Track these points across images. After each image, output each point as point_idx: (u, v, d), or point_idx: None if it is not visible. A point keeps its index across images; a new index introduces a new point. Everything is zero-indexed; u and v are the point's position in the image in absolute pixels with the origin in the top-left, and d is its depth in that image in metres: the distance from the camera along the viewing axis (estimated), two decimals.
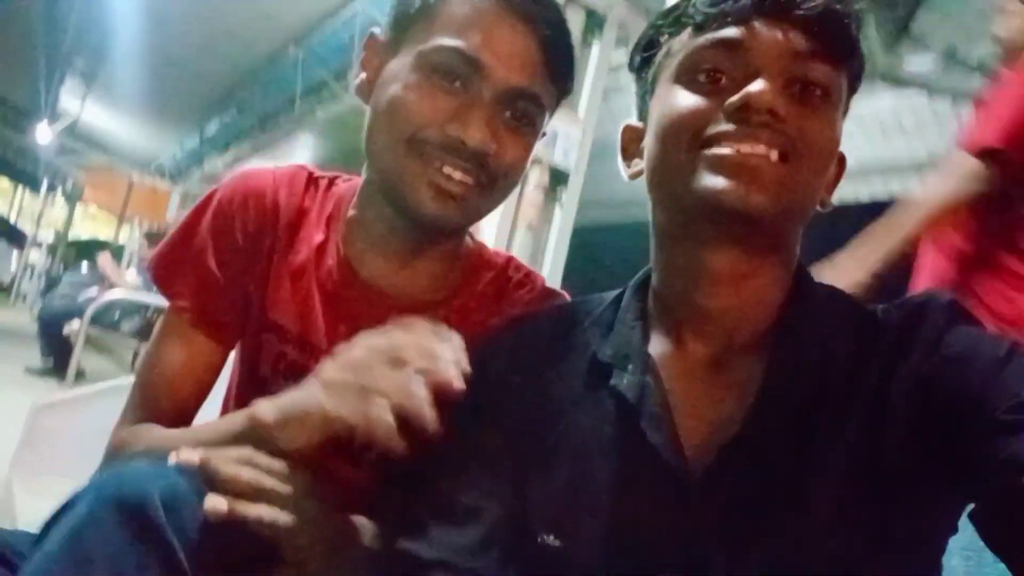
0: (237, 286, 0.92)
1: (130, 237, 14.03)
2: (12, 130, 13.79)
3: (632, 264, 0.82)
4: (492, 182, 0.83)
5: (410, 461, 0.85)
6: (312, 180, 0.96)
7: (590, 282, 0.79)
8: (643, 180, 0.76)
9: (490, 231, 3.39)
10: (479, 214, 0.86)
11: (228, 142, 11.18)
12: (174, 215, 13.96)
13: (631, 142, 0.81)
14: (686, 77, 0.71)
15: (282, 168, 0.97)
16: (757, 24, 0.68)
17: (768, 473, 0.65)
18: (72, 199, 15.45)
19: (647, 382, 0.71)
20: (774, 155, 0.66)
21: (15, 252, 17.33)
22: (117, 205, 13.57)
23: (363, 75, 0.88)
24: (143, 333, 6.40)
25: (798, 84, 0.68)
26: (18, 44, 8.70)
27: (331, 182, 0.97)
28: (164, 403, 0.89)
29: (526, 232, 3.62)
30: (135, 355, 6.93)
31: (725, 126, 0.67)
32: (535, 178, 3.57)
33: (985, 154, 1.50)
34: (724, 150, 0.66)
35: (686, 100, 0.70)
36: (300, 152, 11.62)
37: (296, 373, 0.90)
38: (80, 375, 5.78)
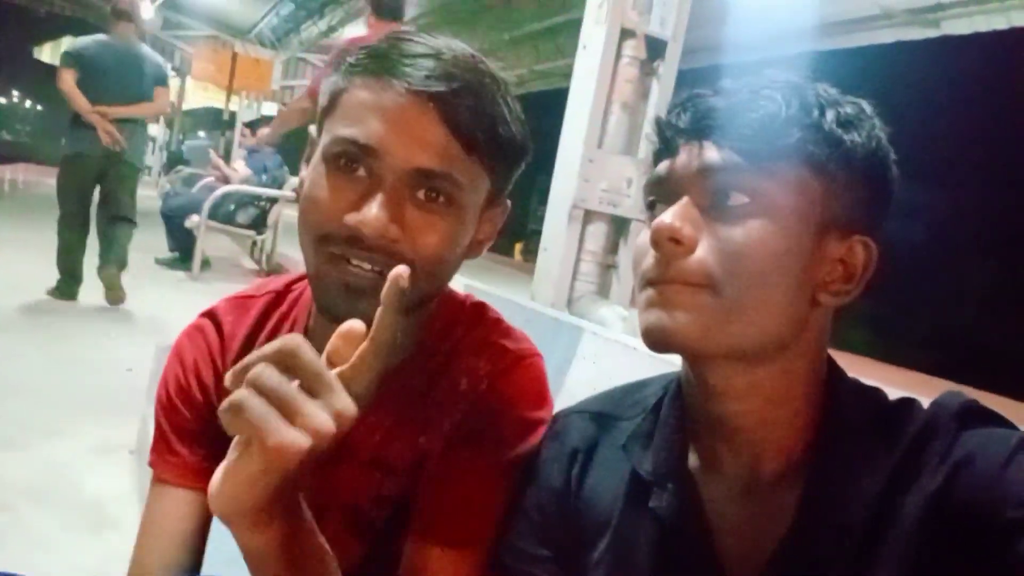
0: (211, 425, 0.89)
1: (240, 106, 14.39)
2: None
3: None
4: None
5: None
6: (266, 296, 0.96)
7: None
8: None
9: (582, 114, 3.28)
10: (408, 301, 0.79)
11: (323, 6, 11.12)
12: (277, 84, 14.18)
13: None
14: (644, 214, 0.73)
15: (231, 298, 0.98)
16: (681, 152, 0.68)
17: None
18: (181, 72, 15.85)
19: (685, 502, 0.71)
20: (689, 281, 0.64)
21: None
22: (224, 78, 13.84)
23: (303, 172, 0.84)
24: (257, 223, 6.72)
25: (723, 194, 0.65)
26: None
27: (289, 285, 0.97)
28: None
29: (621, 111, 3.48)
30: (253, 244, 7.28)
31: (650, 262, 0.66)
32: (630, 50, 3.38)
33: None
34: (649, 287, 0.66)
35: (641, 240, 0.69)
36: None
37: None
38: (205, 264, 6.18)
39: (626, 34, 3.28)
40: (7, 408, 2.82)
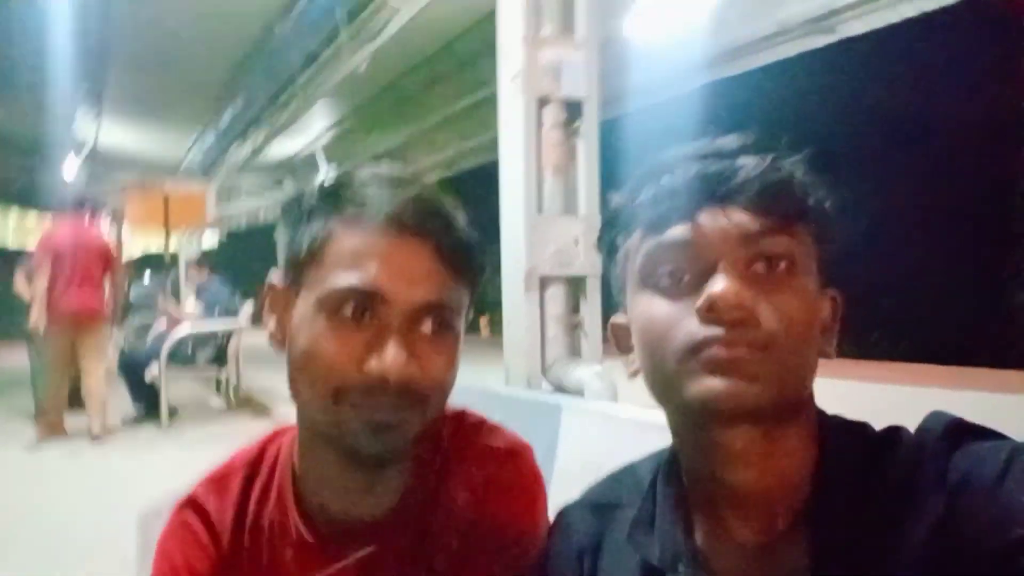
0: None
1: (179, 245, 14.39)
2: (43, 168, 14.07)
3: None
4: (425, 400, 0.77)
5: None
6: (242, 468, 0.91)
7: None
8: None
9: (516, 183, 3.31)
10: (421, 428, 0.80)
11: (245, 128, 11.23)
12: (212, 213, 14.22)
13: (623, 338, 0.78)
14: (650, 281, 0.70)
15: (207, 480, 0.92)
16: (702, 217, 0.67)
17: None
18: (117, 221, 15.80)
19: None
20: (756, 346, 0.64)
21: None
22: (159, 220, 13.84)
23: (271, 322, 0.83)
24: (218, 359, 6.65)
25: (760, 262, 0.66)
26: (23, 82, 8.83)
27: (263, 450, 0.93)
28: None
29: (554, 175, 3.53)
30: (218, 382, 7.14)
31: (702, 330, 0.65)
32: (550, 118, 3.44)
33: None
34: (708, 354, 0.65)
35: (657, 309, 0.69)
36: (320, 119, 11.57)
37: None
38: (173, 413, 6.05)
39: (543, 101, 3.35)
40: None
